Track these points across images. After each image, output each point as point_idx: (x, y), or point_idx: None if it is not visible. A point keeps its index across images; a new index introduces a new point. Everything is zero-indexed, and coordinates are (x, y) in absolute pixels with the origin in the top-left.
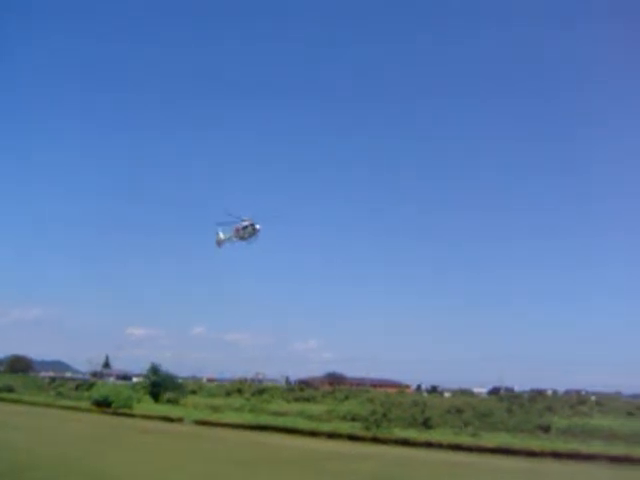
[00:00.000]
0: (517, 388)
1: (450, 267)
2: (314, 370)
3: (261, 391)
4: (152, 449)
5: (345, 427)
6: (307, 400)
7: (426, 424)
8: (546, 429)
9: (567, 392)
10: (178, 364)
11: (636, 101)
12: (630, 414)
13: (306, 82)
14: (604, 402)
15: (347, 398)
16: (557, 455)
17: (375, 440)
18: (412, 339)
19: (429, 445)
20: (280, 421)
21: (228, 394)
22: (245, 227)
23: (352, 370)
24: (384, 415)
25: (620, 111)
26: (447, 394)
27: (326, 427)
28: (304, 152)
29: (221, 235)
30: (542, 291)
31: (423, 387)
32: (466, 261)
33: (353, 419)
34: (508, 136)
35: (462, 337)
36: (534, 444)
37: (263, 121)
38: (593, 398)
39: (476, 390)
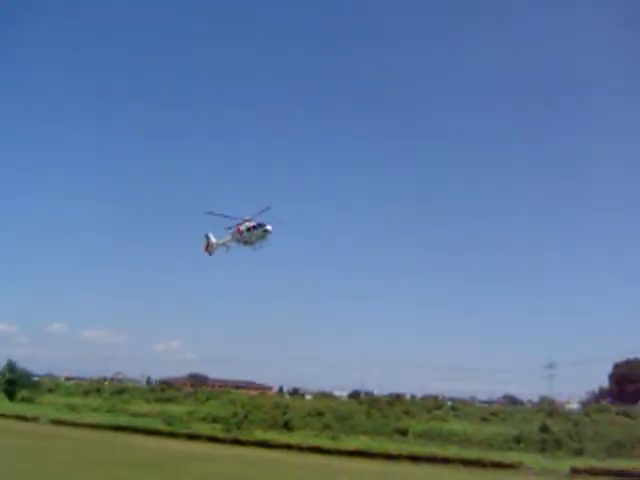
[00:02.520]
0: (377, 392)
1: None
2: (176, 371)
3: (121, 391)
4: (2, 449)
5: (206, 428)
6: (168, 401)
7: (287, 426)
8: (404, 433)
9: (425, 397)
10: (34, 362)
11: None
12: (484, 419)
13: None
14: (459, 407)
15: (209, 399)
16: (414, 458)
17: (235, 442)
18: (274, 341)
19: (289, 447)
20: (139, 422)
21: (86, 393)
22: (250, 229)
23: (215, 371)
24: (245, 417)
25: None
26: (308, 396)
27: (186, 428)
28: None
29: (212, 239)
30: (402, 297)
31: (285, 389)
32: (330, 261)
33: (214, 420)
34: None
35: (324, 340)
36: (392, 447)
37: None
38: (449, 403)
39: (337, 393)
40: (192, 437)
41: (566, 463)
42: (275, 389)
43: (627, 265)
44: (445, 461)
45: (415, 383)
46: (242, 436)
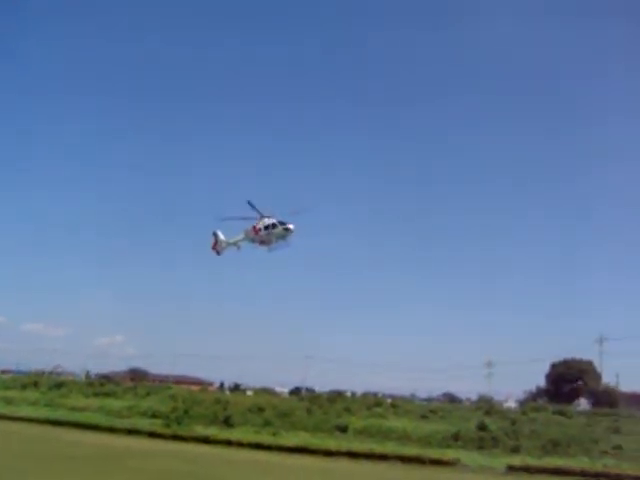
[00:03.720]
0: (318, 389)
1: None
2: (116, 365)
3: (59, 385)
4: None
5: (145, 424)
6: (107, 395)
7: (227, 422)
8: (344, 429)
9: (365, 394)
10: None
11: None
12: (423, 417)
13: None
14: (399, 405)
15: (149, 394)
16: (353, 454)
17: (175, 437)
18: (217, 336)
19: (229, 443)
20: (77, 416)
21: (24, 387)
22: (269, 227)
23: (155, 366)
24: (185, 412)
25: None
26: (249, 392)
27: (126, 423)
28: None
29: (221, 237)
30: (343, 295)
31: (226, 385)
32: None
33: (154, 416)
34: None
35: (266, 336)
36: (331, 444)
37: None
38: (389, 400)
39: (278, 389)
40: (131, 432)
41: (503, 461)
42: (216, 385)
43: (565, 266)
44: (384, 458)
45: (356, 380)
46: (182, 432)
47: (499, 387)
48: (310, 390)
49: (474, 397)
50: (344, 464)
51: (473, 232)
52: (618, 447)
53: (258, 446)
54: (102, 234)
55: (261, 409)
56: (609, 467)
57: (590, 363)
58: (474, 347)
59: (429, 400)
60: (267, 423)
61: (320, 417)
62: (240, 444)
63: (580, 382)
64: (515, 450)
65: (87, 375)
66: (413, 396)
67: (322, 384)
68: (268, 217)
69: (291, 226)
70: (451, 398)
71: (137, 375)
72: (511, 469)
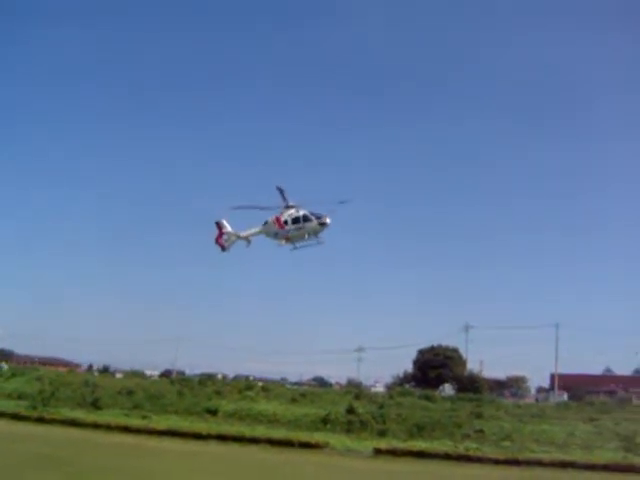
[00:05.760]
0: (189, 372)
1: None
2: None
3: None
4: None
5: (10, 406)
6: None
7: (96, 405)
8: (214, 412)
9: (236, 377)
10: None
11: None
12: (294, 400)
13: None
14: (270, 388)
15: (14, 375)
16: (222, 437)
17: (41, 420)
18: (86, 319)
19: (97, 426)
20: None
21: None
22: (299, 220)
23: (21, 347)
24: (52, 394)
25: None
26: (119, 375)
27: None
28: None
29: (229, 228)
30: (215, 281)
31: (95, 367)
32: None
33: (20, 397)
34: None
35: (136, 318)
36: (201, 427)
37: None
38: (260, 384)
39: (148, 372)
40: None
41: (370, 444)
42: (84, 367)
43: (434, 257)
44: (253, 441)
45: (227, 364)
46: (48, 414)
47: (368, 372)
48: (181, 373)
49: (344, 381)
50: (214, 447)
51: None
52: (480, 431)
53: (127, 429)
54: None
55: (130, 392)
56: (471, 450)
57: (456, 350)
58: (345, 333)
59: (299, 384)
60: (136, 406)
61: (190, 400)
62: (109, 427)
63: (446, 368)
64: (382, 433)
65: None
66: (284, 380)
67: (193, 367)
68: (294, 207)
69: (328, 220)
70: (321, 382)
71: (2, 356)
72: (378, 452)
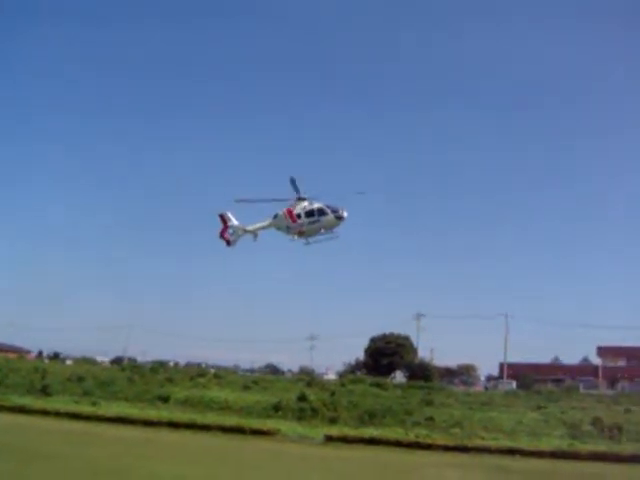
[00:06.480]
0: (140, 359)
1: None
2: None
3: None
4: None
5: None
6: None
7: (45, 391)
8: (165, 399)
9: (188, 364)
10: None
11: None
12: (246, 387)
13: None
14: (222, 375)
15: None
16: (174, 425)
17: None
18: (36, 304)
19: (46, 413)
20: None
21: None
22: (314, 213)
23: None
24: (1, 381)
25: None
26: (69, 362)
27: None
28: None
29: (234, 221)
30: (167, 267)
31: (45, 354)
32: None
33: None
34: None
35: (88, 305)
36: (152, 414)
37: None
38: (212, 371)
39: (99, 359)
40: None
41: (321, 431)
42: (34, 353)
43: (387, 248)
44: (205, 428)
45: (179, 351)
46: None
47: (321, 360)
48: (132, 360)
49: (296, 369)
50: (164, 434)
51: None
52: (430, 418)
53: (77, 416)
54: None
55: (81, 378)
56: (421, 437)
57: (407, 338)
58: (298, 321)
59: (252, 371)
60: (87, 393)
61: (141, 387)
62: (58, 414)
63: (397, 356)
64: (333, 421)
65: None
66: (236, 367)
67: (144, 354)
68: (308, 200)
69: (345, 213)
70: (274, 369)
71: None
72: (329, 439)
